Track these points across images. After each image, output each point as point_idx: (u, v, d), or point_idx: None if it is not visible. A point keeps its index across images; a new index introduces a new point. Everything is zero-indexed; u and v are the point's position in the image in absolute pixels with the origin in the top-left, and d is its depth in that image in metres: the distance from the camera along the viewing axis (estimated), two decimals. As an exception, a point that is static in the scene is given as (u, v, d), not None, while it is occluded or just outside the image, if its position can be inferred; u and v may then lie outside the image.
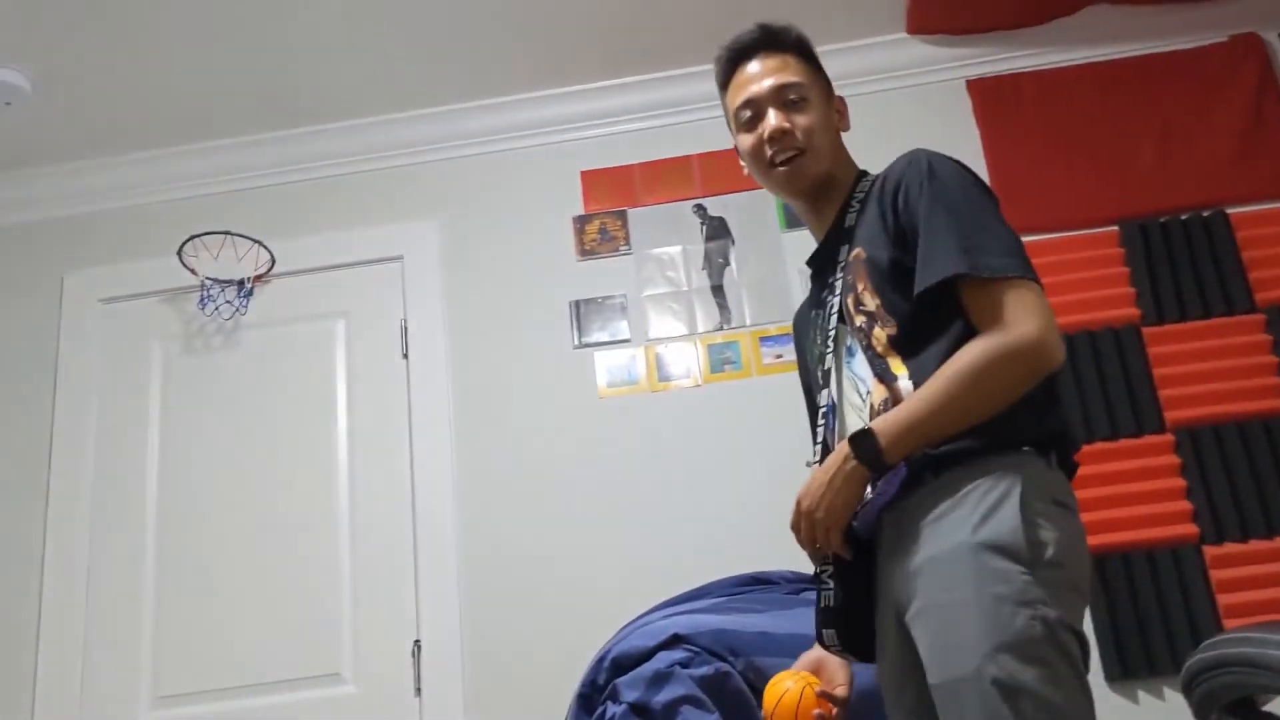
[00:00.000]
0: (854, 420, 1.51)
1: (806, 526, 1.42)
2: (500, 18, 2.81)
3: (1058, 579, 1.29)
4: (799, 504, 1.43)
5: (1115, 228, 2.86)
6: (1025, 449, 1.36)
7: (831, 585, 1.48)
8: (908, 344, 1.43)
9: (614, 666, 2.04)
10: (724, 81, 1.69)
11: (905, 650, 1.41)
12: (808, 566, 2.47)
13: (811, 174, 1.60)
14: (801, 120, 1.59)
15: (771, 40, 1.65)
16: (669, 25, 2.90)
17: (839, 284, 1.55)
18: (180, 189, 3.19)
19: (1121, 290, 2.79)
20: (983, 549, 1.29)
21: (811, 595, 2.33)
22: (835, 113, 1.67)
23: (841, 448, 1.39)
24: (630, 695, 1.95)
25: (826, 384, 1.55)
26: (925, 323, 1.42)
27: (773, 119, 1.59)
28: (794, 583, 2.43)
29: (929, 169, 1.46)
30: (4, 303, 3.14)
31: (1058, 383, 1.42)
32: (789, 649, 2.06)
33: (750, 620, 2.15)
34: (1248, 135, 2.91)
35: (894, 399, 1.43)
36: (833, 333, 1.56)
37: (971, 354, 1.35)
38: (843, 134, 1.68)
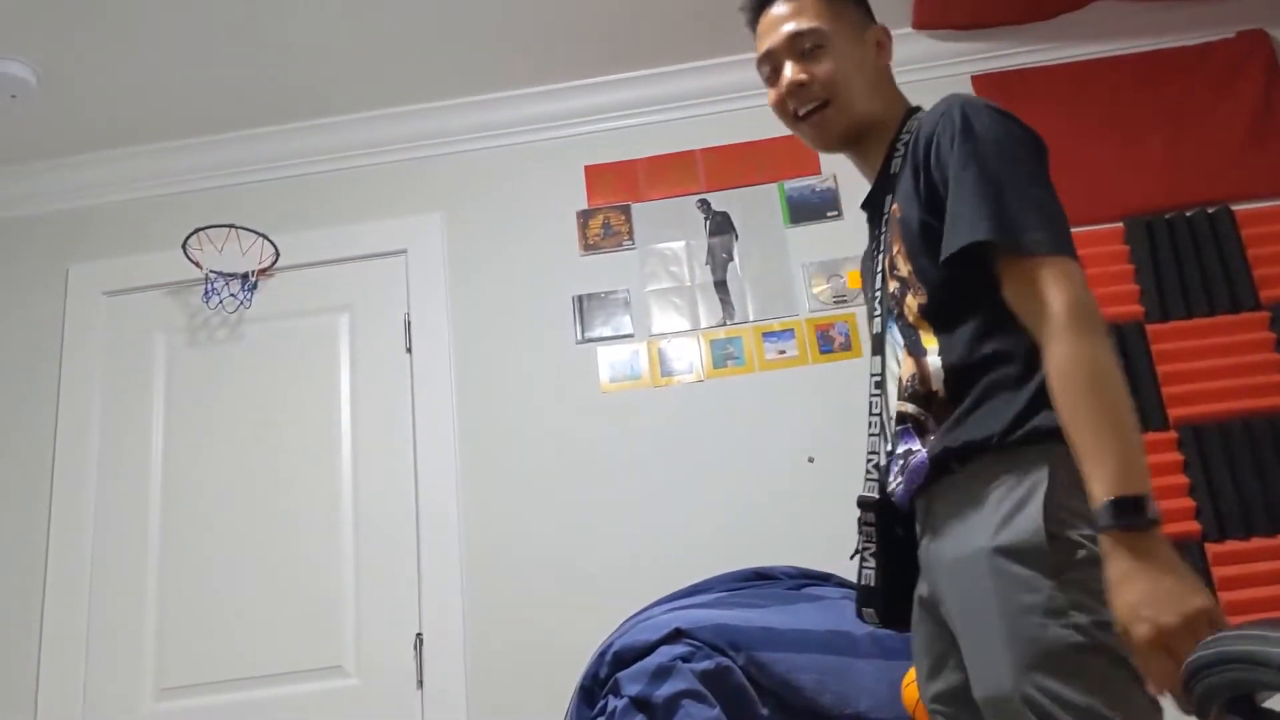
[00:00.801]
0: (893, 390, 1.41)
1: (1177, 642, 1.06)
2: (505, 12, 2.81)
3: (1092, 579, 1.16)
4: (1158, 630, 1.06)
5: (1120, 224, 2.86)
6: (1056, 437, 1.22)
7: (872, 564, 1.41)
8: (939, 315, 1.33)
9: (616, 660, 2.05)
10: (753, 32, 1.59)
11: (937, 637, 1.36)
12: (810, 562, 2.49)
13: (838, 126, 1.49)
14: (820, 69, 1.47)
15: None
16: (673, 20, 2.89)
17: (882, 240, 1.46)
18: (185, 182, 3.20)
19: (1126, 287, 2.79)
20: (1003, 555, 1.20)
21: (813, 590, 2.35)
22: (875, 45, 1.53)
23: (1121, 543, 1.11)
24: (632, 689, 1.95)
25: (877, 350, 1.45)
26: (957, 294, 1.32)
27: (789, 72, 1.49)
28: (795, 578, 2.43)
29: (963, 122, 1.33)
30: (9, 295, 3.14)
31: None
32: (791, 644, 2.07)
33: (752, 615, 2.15)
34: (1254, 132, 2.90)
35: (921, 375, 1.34)
36: (878, 294, 1.45)
37: (1065, 364, 1.19)
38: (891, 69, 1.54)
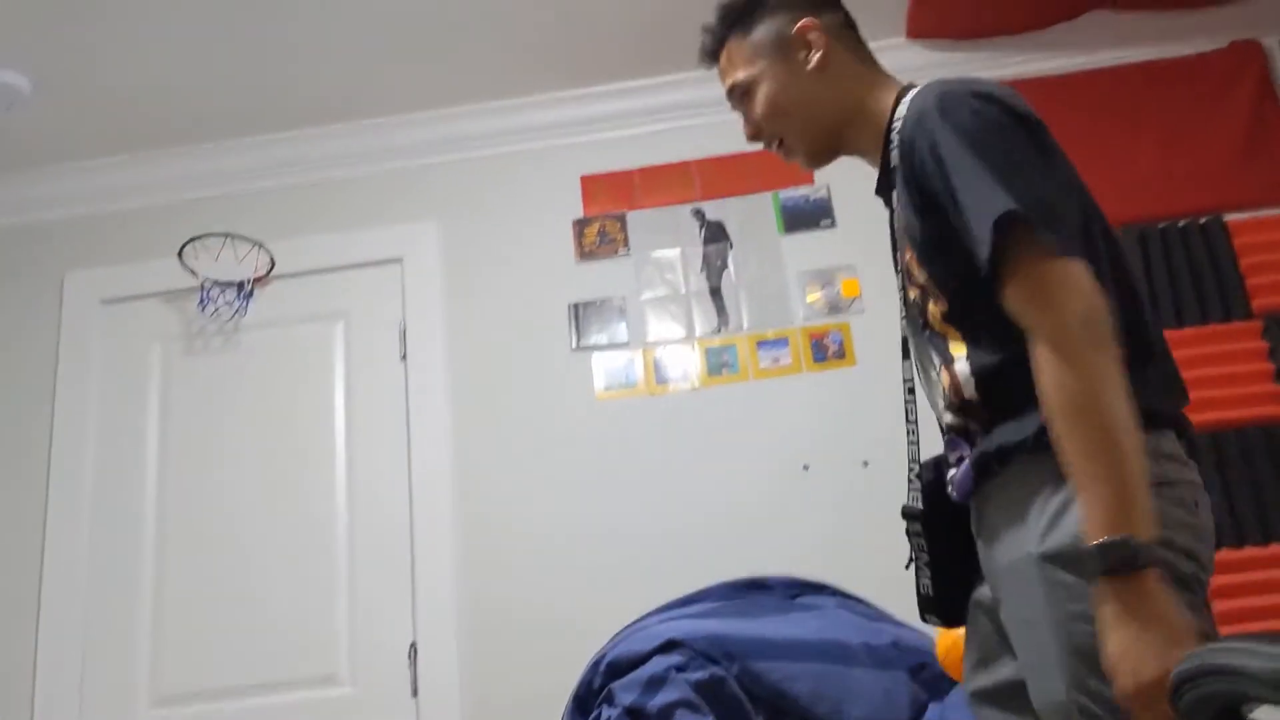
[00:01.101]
0: (936, 399, 1.39)
1: (1146, 698, 1.06)
2: (500, 21, 2.82)
3: None
4: (1137, 685, 1.06)
5: (1113, 233, 2.87)
6: None
7: (927, 574, 1.40)
8: (964, 319, 1.30)
9: (610, 670, 2.05)
10: None
11: (990, 634, 1.35)
12: (804, 570, 2.49)
13: (803, 150, 1.51)
14: (759, 111, 1.50)
15: (706, 52, 1.58)
16: (670, 30, 2.89)
17: (896, 237, 1.41)
18: (181, 190, 3.20)
19: (1119, 296, 2.79)
20: (1049, 562, 1.17)
21: (808, 600, 2.35)
22: (804, 47, 1.47)
23: (1108, 590, 1.08)
24: (626, 699, 1.95)
25: (906, 353, 1.43)
26: (977, 296, 1.25)
27: (744, 127, 1.55)
28: (790, 587, 2.43)
29: (940, 123, 1.27)
30: (5, 303, 3.14)
31: (1145, 336, 1.27)
32: (785, 653, 2.07)
33: (747, 625, 2.15)
34: (1247, 142, 2.91)
35: (954, 384, 1.30)
36: (901, 295, 1.42)
37: (1053, 387, 1.14)
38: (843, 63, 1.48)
